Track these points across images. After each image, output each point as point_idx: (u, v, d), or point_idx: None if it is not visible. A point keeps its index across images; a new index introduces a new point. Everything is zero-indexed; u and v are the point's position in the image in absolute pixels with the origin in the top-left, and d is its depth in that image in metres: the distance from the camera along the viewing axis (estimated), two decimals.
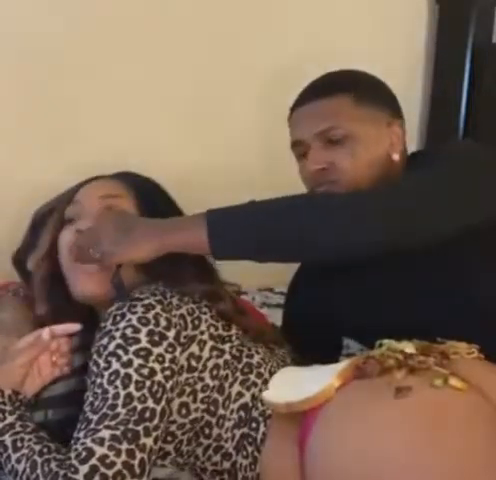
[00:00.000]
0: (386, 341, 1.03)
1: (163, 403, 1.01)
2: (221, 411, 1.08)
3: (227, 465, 1.07)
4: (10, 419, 1.03)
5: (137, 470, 0.94)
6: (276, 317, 1.68)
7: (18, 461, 0.97)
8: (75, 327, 1.14)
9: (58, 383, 1.15)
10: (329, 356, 1.28)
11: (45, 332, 1.13)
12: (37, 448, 0.98)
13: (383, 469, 0.88)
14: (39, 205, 1.33)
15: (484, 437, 0.90)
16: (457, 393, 0.92)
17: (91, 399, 1.00)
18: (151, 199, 1.25)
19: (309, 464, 0.96)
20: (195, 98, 1.75)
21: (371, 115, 1.24)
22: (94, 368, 1.03)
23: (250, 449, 1.06)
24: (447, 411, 0.91)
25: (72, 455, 0.94)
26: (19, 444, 0.99)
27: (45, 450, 0.98)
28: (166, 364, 1.03)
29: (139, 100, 1.69)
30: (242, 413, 1.08)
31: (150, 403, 0.99)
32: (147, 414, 0.98)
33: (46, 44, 1.54)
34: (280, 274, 1.89)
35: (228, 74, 1.78)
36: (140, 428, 0.96)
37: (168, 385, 1.02)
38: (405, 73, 2.05)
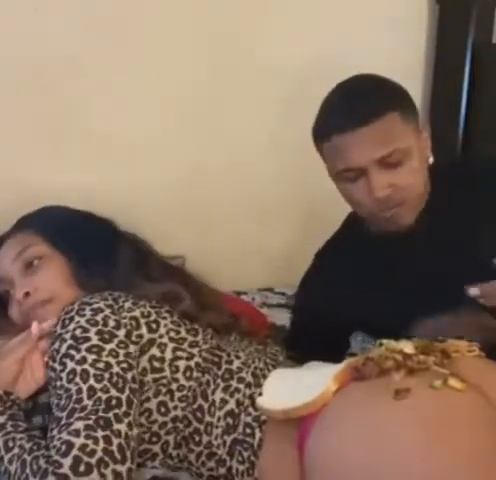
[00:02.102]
0: (385, 341, 1.03)
1: (127, 392, 1.02)
2: (208, 418, 1.09)
3: (223, 471, 1.08)
4: (1, 419, 1.04)
5: (118, 456, 0.95)
6: (276, 317, 1.68)
7: (10, 462, 0.98)
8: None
9: None
10: (337, 356, 1.28)
11: (33, 327, 1.15)
12: (27, 446, 0.99)
13: (384, 469, 0.88)
14: (40, 206, 1.34)
15: (485, 437, 0.89)
16: (457, 394, 0.92)
17: (56, 401, 1.02)
18: (65, 231, 1.26)
19: (309, 466, 0.96)
20: (195, 98, 1.75)
21: (413, 126, 1.24)
22: (52, 374, 1.05)
23: (246, 454, 1.06)
24: (447, 412, 0.91)
25: (52, 452, 0.95)
26: (10, 444, 1.00)
27: (35, 447, 0.98)
28: (121, 358, 1.05)
29: (140, 100, 1.68)
30: (229, 420, 1.08)
31: (114, 392, 1.01)
32: (113, 402, 1.00)
33: (46, 45, 1.54)
34: (280, 274, 1.90)
35: (228, 74, 1.78)
36: (110, 415, 0.98)
37: (128, 376, 1.04)
38: (405, 73, 2.04)
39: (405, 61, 2.05)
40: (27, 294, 1.19)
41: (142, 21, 1.65)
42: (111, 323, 1.07)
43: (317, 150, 1.29)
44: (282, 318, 1.67)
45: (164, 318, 1.14)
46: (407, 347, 0.99)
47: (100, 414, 0.97)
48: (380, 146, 1.19)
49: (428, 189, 1.30)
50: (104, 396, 1.00)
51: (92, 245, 1.25)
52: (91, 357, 1.03)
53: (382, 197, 1.21)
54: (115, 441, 0.96)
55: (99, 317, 1.07)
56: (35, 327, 1.14)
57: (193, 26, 1.72)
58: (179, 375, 1.10)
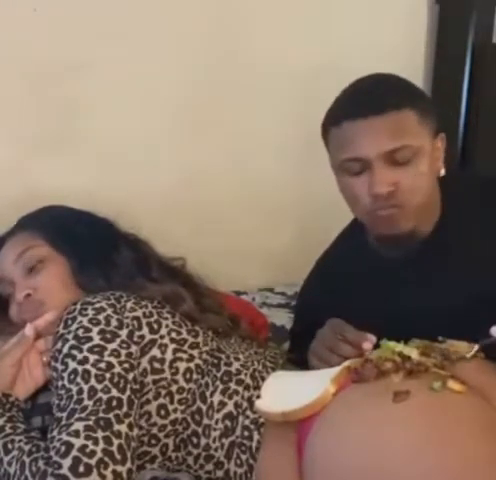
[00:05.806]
0: (384, 342, 1.03)
1: (128, 393, 1.02)
2: (206, 421, 1.09)
3: (220, 473, 1.08)
4: (0, 422, 1.04)
5: (118, 456, 0.95)
6: (276, 317, 1.69)
7: (9, 464, 0.98)
8: (51, 315, 1.14)
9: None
10: None
11: (27, 328, 1.15)
12: (26, 448, 0.99)
13: (383, 466, 0.88)
14: (40, 206, 1.34)
15: (485, 440, 0.89)
16: (456, 396, 0.92)
17: (57, 402, 1.01)
18: (66, 232, 1.26)
19: (308, 468, 0.96)
20: (195, 98, 1.75)
21: (429, 131, 1.18)
22: (54, 373, 1.05)
23: (244, 457, 1.06)
24: (447, 414, 0.91)
25: (52, 453, 0.94)
26: (9, 446, 1.00)
27: (34, 449, 0.98)
28: (123, 358, 1.05)
29: (140, 100, 1.69)
30: (228, 422, 1.08)
31: (115, 393, 1.00)
32: (114, 403, 0.99)
33: (46, 45, 1.54)
34: (280, 274, 1.90)
35: (228, 75, 1.79)
36: (111, 416, 0.98)
37: (129, 376, 1.04)
38: (405, 73, 2.04)
39: (405, 61, 2.04)
40: (28, 295, 1.19)
41: (142, 21, 1.65)
42: (114, 322, 1.07)
43: (324, 139, 1.23)
44: (282, 318, 1.68)
45: (166, 318, 1.14)
46: (406, 349, 0.99)
47: (100, 415, 0.97)
48: (391, 139, 1.13)
49: (438, 204, 1.24)
50: (105, 397, 0.99)
51: (93, 246, 1.25)
52: (93, 357, 1.03)
53: (381, 193, 1.14)
54: (116, 442, 0.96)
55: (101, 316, 1.07)
56: (29, 328, 1.15)
57: (192, 26, 1.72)
58: (179, 377, 1.10)
